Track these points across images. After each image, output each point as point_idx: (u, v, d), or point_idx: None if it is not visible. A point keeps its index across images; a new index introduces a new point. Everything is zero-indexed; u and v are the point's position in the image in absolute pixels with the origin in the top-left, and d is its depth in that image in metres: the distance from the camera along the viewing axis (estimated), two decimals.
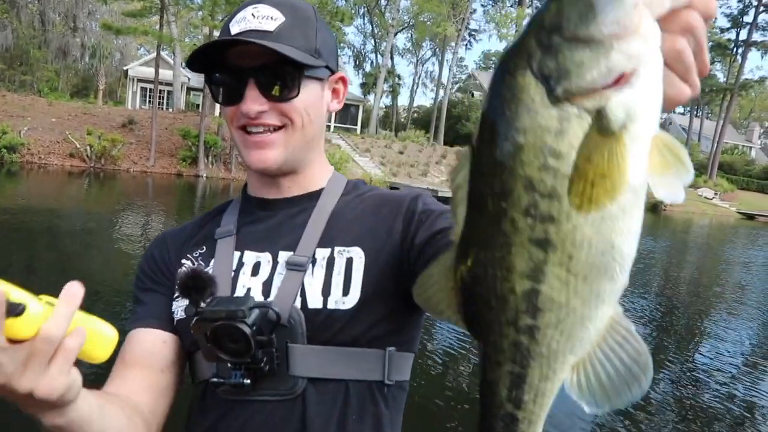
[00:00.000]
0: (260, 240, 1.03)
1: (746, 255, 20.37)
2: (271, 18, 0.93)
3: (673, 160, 0.48)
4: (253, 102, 0.93)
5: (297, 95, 0.95)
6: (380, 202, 1.05)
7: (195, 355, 0.99)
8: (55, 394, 0.62)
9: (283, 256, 0.99)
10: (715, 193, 47.59)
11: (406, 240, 0.97)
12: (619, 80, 0.45)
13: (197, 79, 34.89)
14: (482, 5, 49.28)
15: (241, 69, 0.94)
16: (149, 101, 33.89)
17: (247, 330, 0.84)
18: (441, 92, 45.24)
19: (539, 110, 0.47)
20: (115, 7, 29.70)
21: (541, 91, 0.47)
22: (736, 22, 50.68)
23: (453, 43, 44.49)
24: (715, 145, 50.12)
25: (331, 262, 0.96)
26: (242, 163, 1.09)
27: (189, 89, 39.89)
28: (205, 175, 24.73)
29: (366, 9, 52.81)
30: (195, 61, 0.96)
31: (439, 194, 26.99)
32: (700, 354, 7.23)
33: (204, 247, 1.06)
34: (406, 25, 53.80)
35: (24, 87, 35.19)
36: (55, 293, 0.65)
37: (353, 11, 48.13)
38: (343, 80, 1.06)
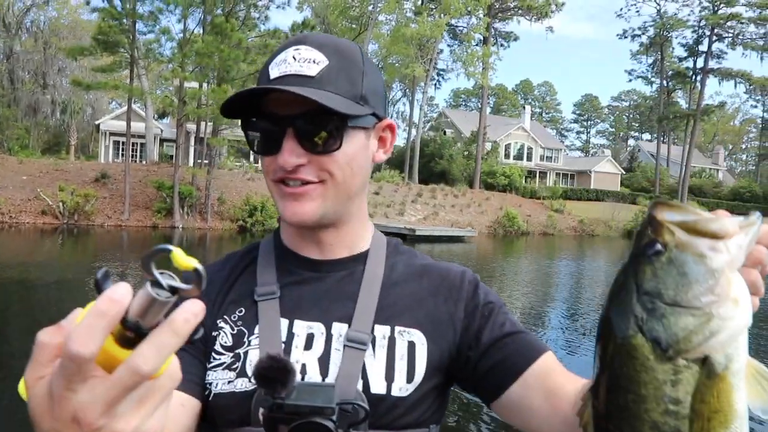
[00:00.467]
0: (310, 307, 0.94)
1: None
2: (314, 61, 0.86)
3: None
4: (291, 154, 0.86)
5: (339, 148, 0.87)
6: (435, 280, 1.00)
7: (231, 430, 0.89)
8: None
9: (338, 328, 0.92)
10: None
11: (468, 333, 0.95)
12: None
13: (170, 130, 35.03)
14: (448, 45, 50.42)
15: (279, 117, 0.87)
16: (122, 154, 33.88)
17: (333, 428, 0.78)
18: (413, 131, 45.84)
19: (655, 366, 0.54)
20: (85, 63, 29.85)
21: (654, 351, 0.54)
22: (692, 51, 52.51)
23: (422, 83, 45.32)
24: (683, 169, 51.27)
25: (392, 344, 0.92)
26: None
27: (162, 140, 39.95)
28: (181, 225, 24.61)
29: None
30: (231, 107, 0.89)
31: (417, 233, 27.20)
32: None
33: (242, 309, 0.95)
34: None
35: None
36: (28, 353, 0.48)
37: None
38: (391, 128, 0.99)
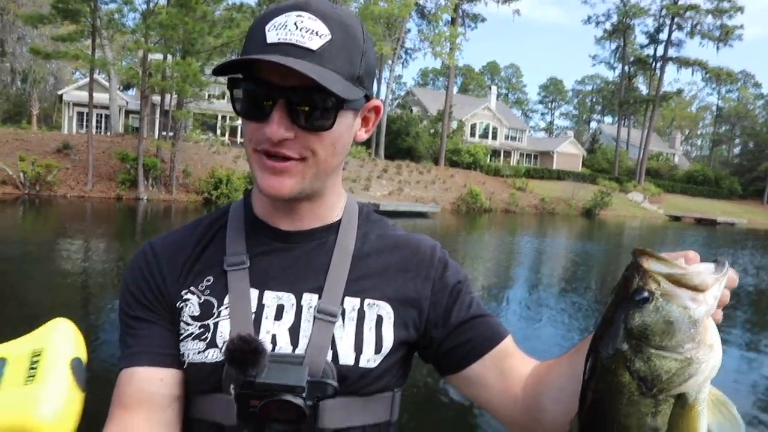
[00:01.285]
0: (280, 278, 0.94)
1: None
2: (317, 33, 0.82)
3: (728, 416, 0.66)
4: (279, 126, 0.82)
5: (330, 128, 0.85)
6: (406, 256, 1.01)
7: (203, 396, 0.93)
8: None
9: (308, 299, 0.93)
10: (644, 197, 50.03)
11: (435, 312, 0.98)
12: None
13: (136, 102, 34.63)
14: (416, 25, 50.58)
15: (272, 85, 0.82)
16: (86, 126, 33.48)
17: (303, 405, 0.82)
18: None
19: (640, 401, 0.63)
20: (46, 31, 29.30)
21: (639, 388, 0.63)
22: (653, 39, 53.92)
23: (390, 62, 45.50)
24: (642, 152, 52.72)
25: (361, 316, 0.93)
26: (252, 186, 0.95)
27: (127, 112, 39.48)
28: (145, 197, 24.64)
29: None
30: (222, 67, 0.85)
31: (381, 208, 27.65)
32: None
33: (210, 278, 0.95)
34: None
35: None
36: None
37: None
38: (376, 109, 0.97)
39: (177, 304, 0.94)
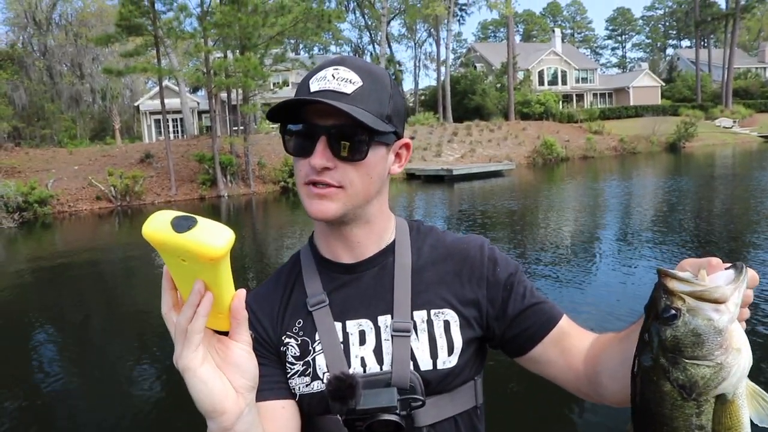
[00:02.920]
0: (356, 307, 1.09)
1: None
2: (350, 81, 0.99)
3: (765, 405, 0.73)
4: (322, 157, 0.98)
5: (364, 158, 1.01)
6: (458, 262, 1.13)
7: (317, 418, 1.08)
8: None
9: (383, 320, 1.07)
10: (734, 121, 46.93)
11: (493, 307, 1.10)
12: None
13: (206, 103, 35.95)
14: None
15: (315, 125, 0.99)
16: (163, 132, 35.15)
17: (400, 420, 0.97)
18: (442, 70, 45.45)
19: (683, 405, 0.71)
20: (117, 49, 30.78)
21: (681, 394, 0.71)
22: None
23: (446, 21, 44.66)
24: (725, 73, 49.22)
25: (430, 326, 1.06)
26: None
27: (200, 113, 41.01)
28: (226, 194, 25.64)
29: (356, 3, 53.26)
30: (273, 113, 1.02)
31: (454, 172, 27.51)
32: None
33: (300, 320, 1.10)
34: (396, 11, 54.07)
35: (45, 140, 36.60)
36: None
37: (343, 7, 48.62)
38: (407, 146, 1.12)
39: (281, 348, 1.10)
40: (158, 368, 6.03)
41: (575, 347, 1.07)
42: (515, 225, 14.14)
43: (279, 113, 1.02)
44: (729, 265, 0.73)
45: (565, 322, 1.10)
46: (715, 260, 0.74)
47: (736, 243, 10.46)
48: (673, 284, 0.71)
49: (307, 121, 1.00)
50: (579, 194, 20.20)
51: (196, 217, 0.72)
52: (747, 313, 0.76)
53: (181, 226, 0.70)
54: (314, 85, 1.00)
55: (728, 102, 50.02)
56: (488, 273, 1.11)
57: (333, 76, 0.99)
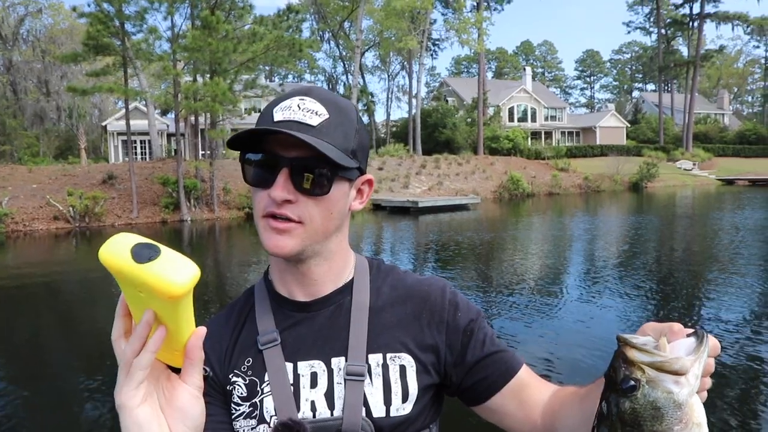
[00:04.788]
0: (308, 347, 1.04)
1: (733, 219, 20.91)
2: (316, 113, 0.96)
3: None
4: (282, 189, 0.94)
5: (327, 193, 0.97)
6: (418, 305, 1.09)
7: None
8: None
9: (336, 362, 1.02)
10: (694, 164, 48.33)
11: (452, 353, 1.06)
12: None
13: (174, 126, 35.71)
14: (442, 14, 50.26)
15: (277, 155, 0.95)
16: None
17: None
18: (414, 103, 46.00)
19: None
20: (86, 67, 30.44)
21: None
22: None
23: (419, 55, 45.34)
24: (687, 116, 50.85)
25: (386, 370, 1.01)
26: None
27: (169, 135, 40.63)
28: (189, 218, 25.26)
29: (330, 33, 53.80)
30: (234, 141, 0.98)
31: (420, 204, 27.62)
32: (705, 320, 7.64)
33: (249, 359, 1.05)
34: (371, 43, 54.77)
35: (4, 157, 35.85)
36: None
37: (317, 37, 49.09)
38: (369, 182, 1.09)
39: (228, 387, 1.04)
40: (112, 391, 5.80)
41: (534, 399, 1.04)
42: (479, 258, 14.14)
43: (240, 141, 0.98)
44: (691, 331, 0.70)
45: (524, 373, 1.07)
46: (677, 326, 0.71)
47: (694, 280, 10.65)
48: (632, 354, 0.68)
49: (269, 152, 0.96)
50: (544, 229, 20.41)
51: (160, 246, 0.67)
52: (709, 382, 0.73)
53: (141, 255, 0.65)
54: (278, 115, 0.96)
55: (689, 145, 51.59)
56: (449, 317, 1.07)
57: (299, 106, 0.96)
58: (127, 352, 0.72)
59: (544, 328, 7.57)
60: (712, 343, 0.70)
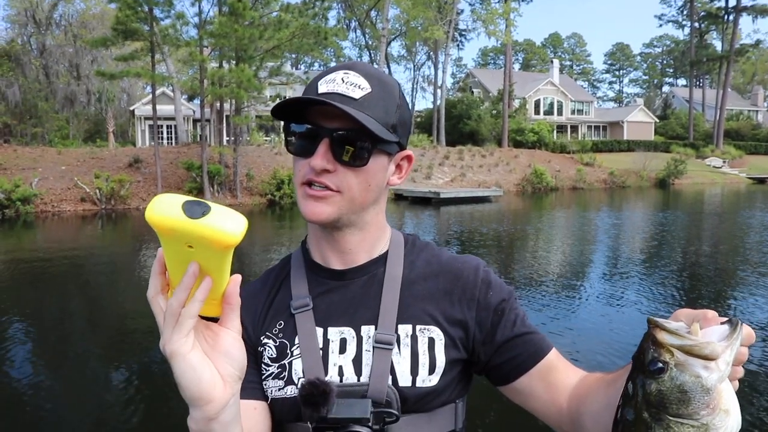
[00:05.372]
0: (340, 314, 1.06)
1: (764, 217, 20.56)
2: (359, 87, 0.98)
3: None
4: (322, 158, 0.96)
5: (365, 164, 0.99)
6: (450, 281, 1.10)
7: (288, 425, 1.05)
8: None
9: (366, 330, 1.04)
10: (724, 161, 47.37)
11: (481, 331, 1.06)
12: None
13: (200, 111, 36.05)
14: (470, 4, 49.83)
15: (319, 126, 0.98)
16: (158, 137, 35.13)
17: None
18: (439, 93, 45.78)
19: None
20: (115, 52, 30.84)
21: None
22: None
23: (445, 45, 45.05)
24: (718, 113, 49.80)
25: (414, 341, 1.03)
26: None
27: (195, 121, 41.01)
28: None
29: (357, 22, 53.71)
30: (278, 111, 1.00)
31: (441, 195, 27.55)
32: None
33: (282, 322, 1.08)
34: (397, 33, 54.56)
35: (36, 139, 36.54)
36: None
37: (344, 25, 49.03)
38: (408, 158, 1.10)
39: (258, 348, 1.08)
40: (137, 370, 5.97)
41: (561, 383, 1.03)
42: (501, 250, 14.10)
43: (284, 111, 1.01)
44: (725, 319, 0.69)
45: (553, 356, 1.07)
46: (711, 313, 0.70)
47: (722, 279, 10.49)
48: (662, 336, 0.67)
49: (312, 122, 0.99)
50: (566, 224, 20.19)
51: (208, 202, 0.68)
52: (741, 371, 0.72)
53: (194, 211, 0.66)
54: (322, 87, 0.99)
55: (719, 142, 50.54)
56: (480, 295, 1.08)
57: (342, 79, 0.98)
58: (173, 304, 0.73)
59: (566, 323, 7.52)
60: (746, 331, 0.69)
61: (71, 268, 12.15)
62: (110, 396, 5.38)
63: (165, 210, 0.66)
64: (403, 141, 1.05)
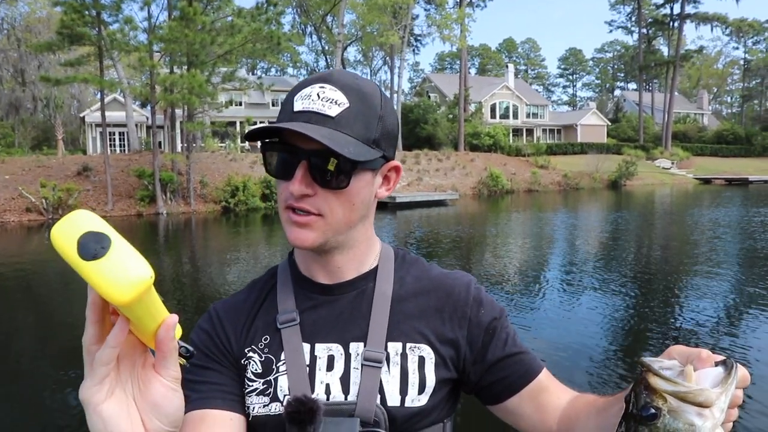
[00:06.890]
0: (328, 330, 1.02)
1: (711, 216, 21.21)
2: (335, 102, 0.93)
3: None
4: (301, 183, 0.92)
5: (346, 186, 0.94)
6: (441, 298, 1.07)
7: None
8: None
9: (355, 347, 1.00)
10: (672, 163, 48.88)
11: (472, 350, 1.04)
12: None
13: (156, 117, 35.28)
14: (425, 9, 50.15)
15: (296, 148, 0.93)
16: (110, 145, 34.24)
17: None
18: (395, 98, 45.93)
19: None
20: (63, 57, 29.97)
21: None
22: None
23: (401, 50, 45.25)
24: (666, 116, 51.38)
25: (404, 359, 1.00)
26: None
27: (148, 128, 40.16)
28: (164, 212, 25.01)
29: (313, 27, 53.54)
30: (254, 134, 0.97)
31: (397, 200, 27.61)
32: (682, 316, 7.72)
33: (267, 336, 1.04)
34: (353, 37, 54.57)
35: None
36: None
37: (299, 30, 48.82)
38: (396, 169, 1.05)
39: (242, 361, 1.03)
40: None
41: (551, 404, 1.02)
42: (458, 254, 14.15)
43: (260, 132, 0.96)
44: (719, 359, 0.67)
45: (544, 376, 1.05)
46: (705, 353, 0.68)
47: (674, 274, 10.83)
48: (655, 381, 0.65)
49: (288, 143, 0.95)
50: (521, 226, 20.44)
51: (111, 237, 0.58)
52: (735, 414, 0.70)
53: (87, 250, 0.56)
54: (298, 104, 0.94)
55: (668, 144, 52.15)
56: (471, 313, 1.05)
57: (318, 95, 0.93)
58: (86, 343, 0.67)
59: (525, 321, 7.59)
60: (741, 374, 0.66)
61: (17, 282, 11.70)
62: (59, 410, 5.19)
63: (61, 241, 0.59)
64: (389, 153, 1.01)
